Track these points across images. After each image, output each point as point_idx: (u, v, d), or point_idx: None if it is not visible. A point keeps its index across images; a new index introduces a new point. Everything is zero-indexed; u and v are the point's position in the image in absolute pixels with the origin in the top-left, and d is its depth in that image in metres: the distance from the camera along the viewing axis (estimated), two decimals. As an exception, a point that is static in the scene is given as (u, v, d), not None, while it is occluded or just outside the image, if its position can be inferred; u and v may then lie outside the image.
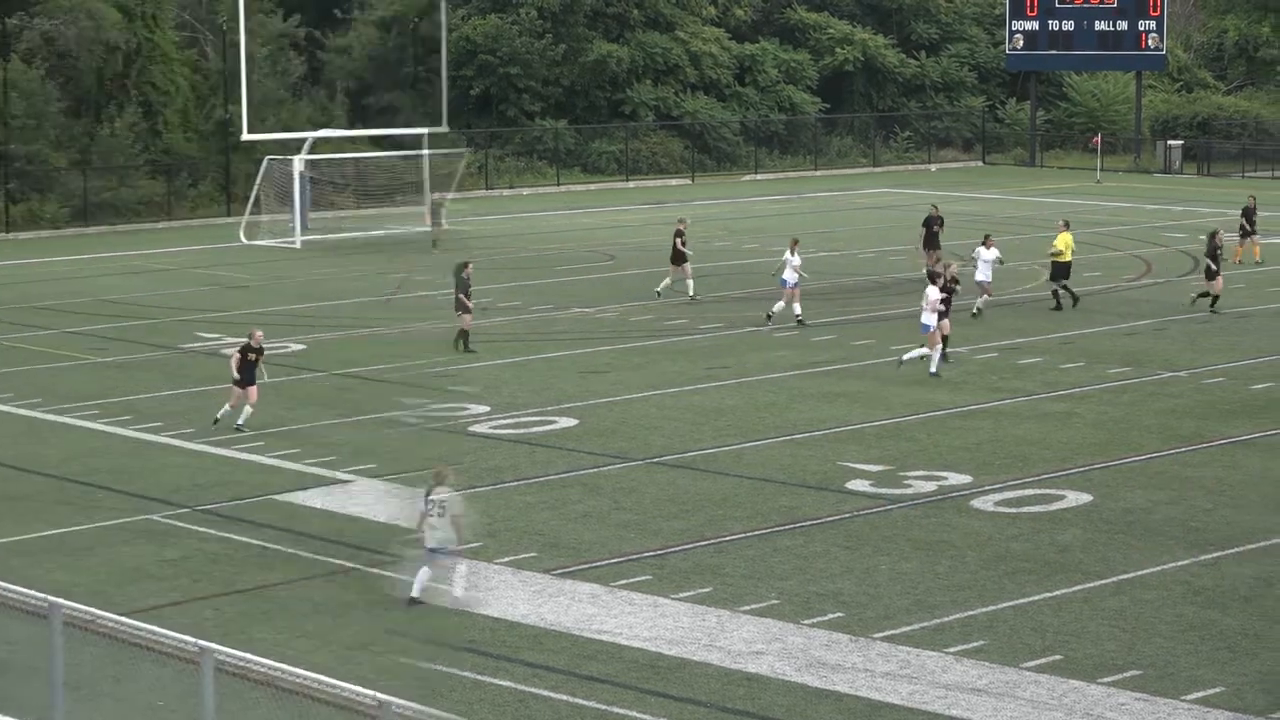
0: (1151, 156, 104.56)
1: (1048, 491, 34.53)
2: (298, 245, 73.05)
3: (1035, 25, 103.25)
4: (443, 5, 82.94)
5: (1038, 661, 25.51)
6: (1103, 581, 29.12)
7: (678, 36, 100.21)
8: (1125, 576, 29.29)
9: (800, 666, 25.41)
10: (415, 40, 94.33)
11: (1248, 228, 65.08)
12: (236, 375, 39.41)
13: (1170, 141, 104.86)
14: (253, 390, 39.52)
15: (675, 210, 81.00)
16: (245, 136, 75.47)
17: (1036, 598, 28.37)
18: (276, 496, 34.54)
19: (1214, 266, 54.60)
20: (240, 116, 75.17)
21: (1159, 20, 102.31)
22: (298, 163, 74.86)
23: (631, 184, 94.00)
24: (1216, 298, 54.40)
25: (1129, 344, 49.29)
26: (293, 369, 46.32)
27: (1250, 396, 43.08)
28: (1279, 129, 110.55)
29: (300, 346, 49.81)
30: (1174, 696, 24.18)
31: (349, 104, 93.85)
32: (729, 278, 61.77)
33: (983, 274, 53.66)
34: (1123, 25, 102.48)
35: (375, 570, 29.64)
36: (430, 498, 27.68)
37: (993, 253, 54.01)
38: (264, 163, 76.57)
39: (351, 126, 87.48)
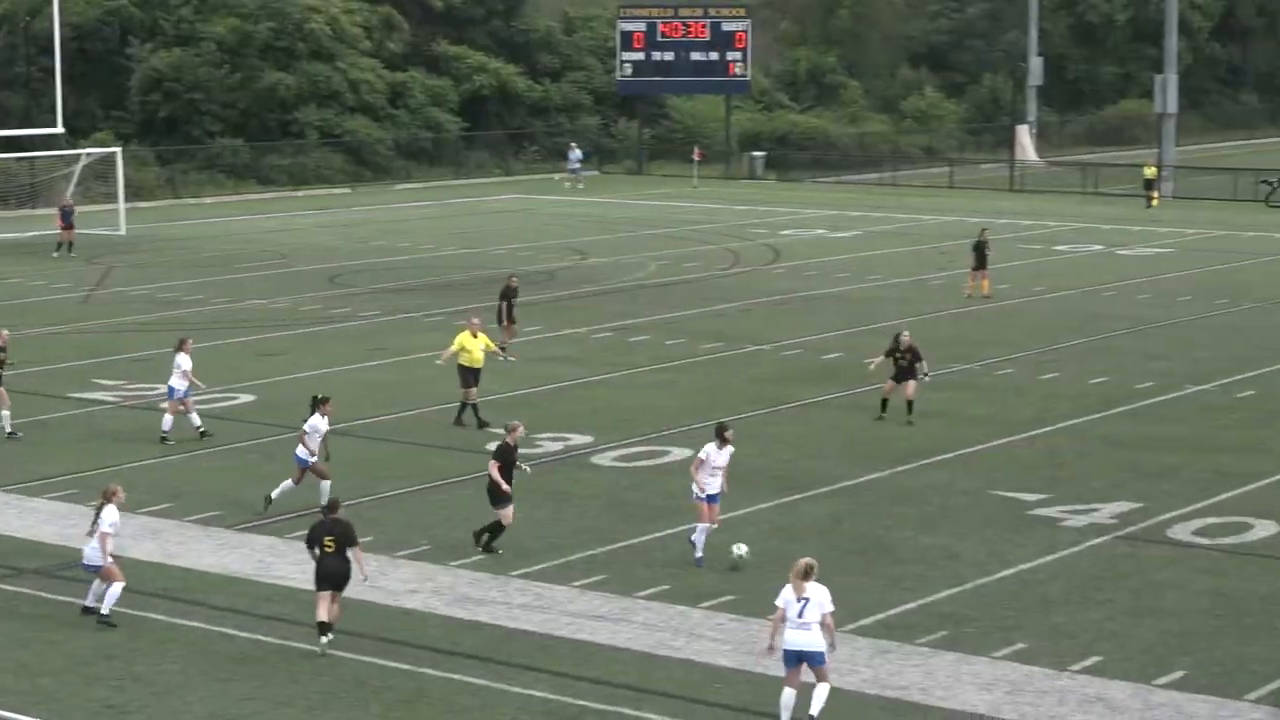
0: (739, 165, 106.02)
1: (656, 448, 34.86)
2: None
3: (642, 56, 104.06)
4: (55, 2, 74.28)
5: (649, 591, 25.77)
6: (702, 522, 29.46)
7: (338, 66, 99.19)
8: (723, 517, 29.68)
9: (449, 602, 25.38)
10: (27, 40, 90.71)
11: (978, 262, 55.43)
12: None
13: (754, 153, 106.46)
14: None
15: (339, 215, 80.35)
16: None
17: (648, 537, 28.65)
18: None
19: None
20: None
21: (744, 52, 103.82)
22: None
23: (300, 193, 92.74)
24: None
25: (720, 323, 49.94)
26: None
27: (822, 365, 43.92)
28: (843, 142, 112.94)
29: None
30: (763, 616, 24.56)
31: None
32: (385, 272, 61.36)
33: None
34: (714, 56, 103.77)
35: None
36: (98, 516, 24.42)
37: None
38: None
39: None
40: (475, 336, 37.05)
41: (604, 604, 25.21)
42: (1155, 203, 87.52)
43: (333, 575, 23.37)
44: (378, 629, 24.10)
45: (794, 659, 20.50)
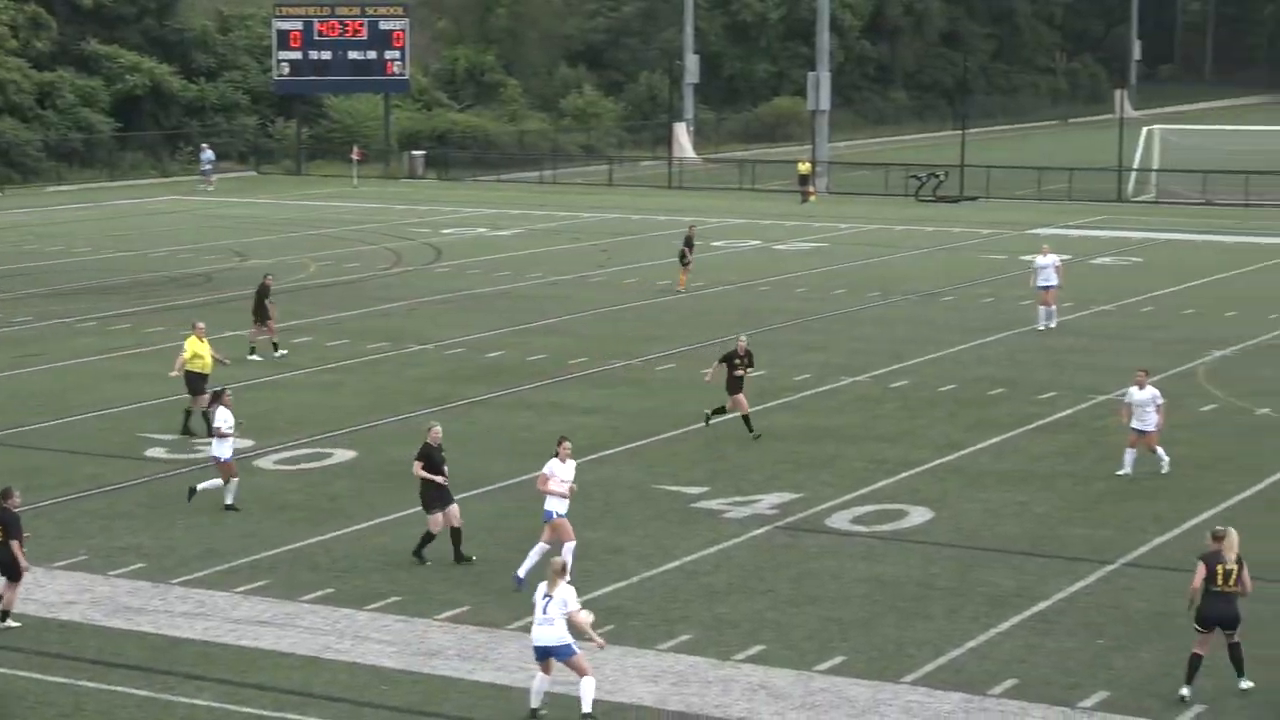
0: (399, 165, 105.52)
1: (320, 450, 34.56)
2: None
3: (299, 55, 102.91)
4: None
5: (314, 595, 25.54)
6: (368, 524, 29.32)
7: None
8: (387, 518, 29.56)
9: (109, 612, 24.84)
10: None
11: (688, 256, 55.78)
12: None
13: (414, 151, 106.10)
14: None
15: (-14, 218, 78.18)
16: None
17: (312, 540, 28.38)
18: None
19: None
20: None
21: (403, 51, 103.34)
22: None
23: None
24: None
25: (385, 323, 49.69)
26: None
27: (486, 363, 43.95)
28: (503, 140, 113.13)
29: None
30: (429, 616, 24.52)
31: None
32: (39, 276, 59.78)
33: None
34: (372, 54, 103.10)
35: None
36: None
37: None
38: None
39: None
40: (202, 341, 36.33)
41: (268, 609, 24.91)
42: (811, 198, 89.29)
43: (3, 564, 23.50)
44: (34, 643, 23.47)
45: (541, 654, 20.90)
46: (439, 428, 27.82)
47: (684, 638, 23.69)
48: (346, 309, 52.25)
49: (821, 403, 39.22)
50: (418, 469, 27.28)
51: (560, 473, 26.43)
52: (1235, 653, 21.85)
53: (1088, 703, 21.33)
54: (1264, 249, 67.79)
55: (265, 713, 21.15)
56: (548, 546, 26.11)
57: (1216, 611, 21.58)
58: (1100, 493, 31.32)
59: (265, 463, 33.61)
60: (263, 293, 44.66)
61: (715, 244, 69.63)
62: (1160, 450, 32.17)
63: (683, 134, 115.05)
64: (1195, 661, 21.67)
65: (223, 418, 30.07)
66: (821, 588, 25.92)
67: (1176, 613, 24.51)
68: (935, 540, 28.41)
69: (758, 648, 23.30)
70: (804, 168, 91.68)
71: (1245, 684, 21.83)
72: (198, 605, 25.11)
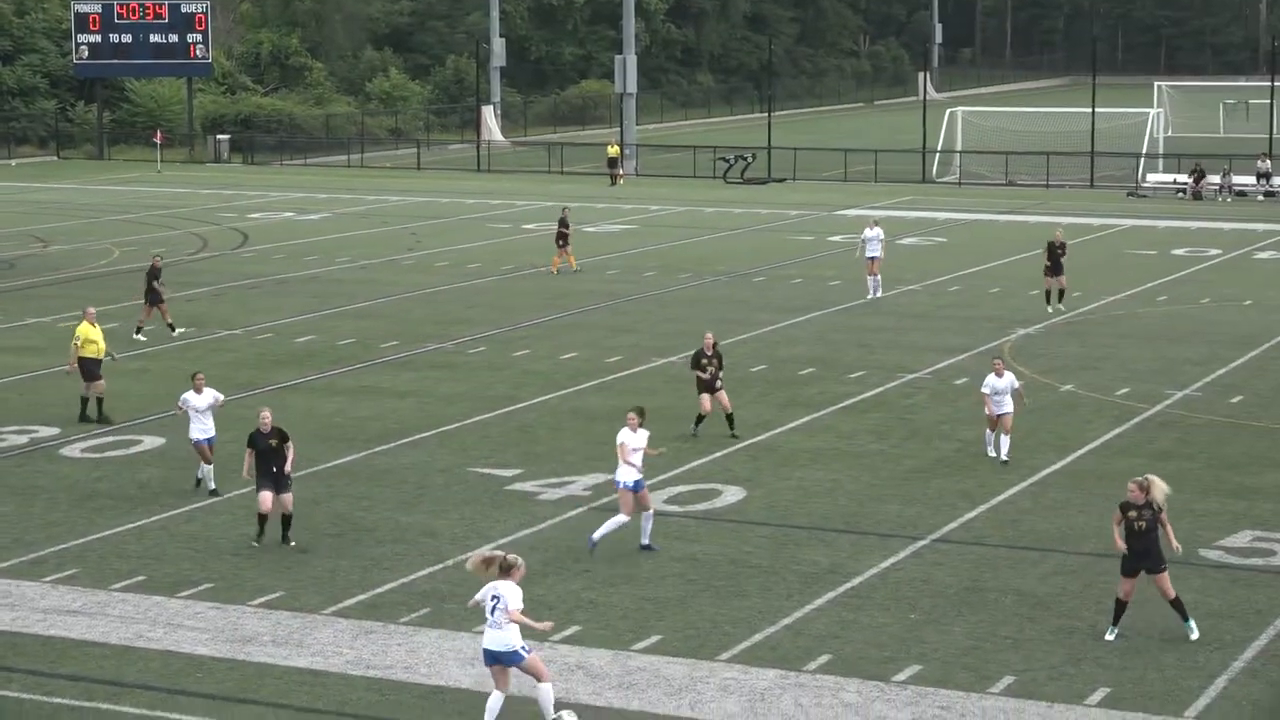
0: (203, 149, 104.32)
1: (128, 438, 34.08)
2: None
3: (99, 38, 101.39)
4: None
5: (125, 583, 25.18)
6: (178, 510, 28.95)
7: None
8: (197, 505, 29.22)
9: (-88, 605, 24.32)
10: None
11: (565, 238, 56.59)
12: None
13: (219, 136, 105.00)
14: None
15: None
16: None
17: (121, 529, 27.98)
18: None
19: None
20: None
21: (205, 34, 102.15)
22: None
23: None
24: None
25: (190, 309, 49.05)
26: None
27: (295, 349, 43.59)
28: (309, 124, 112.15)
29: None
30: (242, 603, 24.28)
31: None
32: None
33: None
34: (174, 38, 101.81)
35: None
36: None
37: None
38: None
39: None
40: (94, 326, 35.65)
41: (78, 598, 24.52)
42: (620, 181, 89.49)
43: None
44: None
45: (490, 659, 19.82)
46: (268, 412, 27.61)
47: (501, 620, 23.63)
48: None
49: (634, 384, 39.33)
50: (249, 459, 27.14)
51: (631, 442, 26.71)
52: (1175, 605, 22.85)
53: (901, 676, 21.59)
54: (1064, 228, 68.93)
55: (76, 703, 20.82)
56: (626, 518, 26.47)
57: (1135, 556, 22.53)
58: (910, 470, 31.70)
59: (72, 450, 33.10)
60: (152, 274, 44.47)
61: (526, 227, 69.56)
62: (1007, 439, 32.29)
63: (490, 117, 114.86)
64: (1120, 606, 22.86)
65: (192, 399, 30.41)
66: (636, 568, 26.00)
67: (986, 587, 24.91)
68: (749, 519, 28.61)
69: (574, 628, 23.32)
70: (613, 150, 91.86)
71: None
72: (4, 595, 24.66)
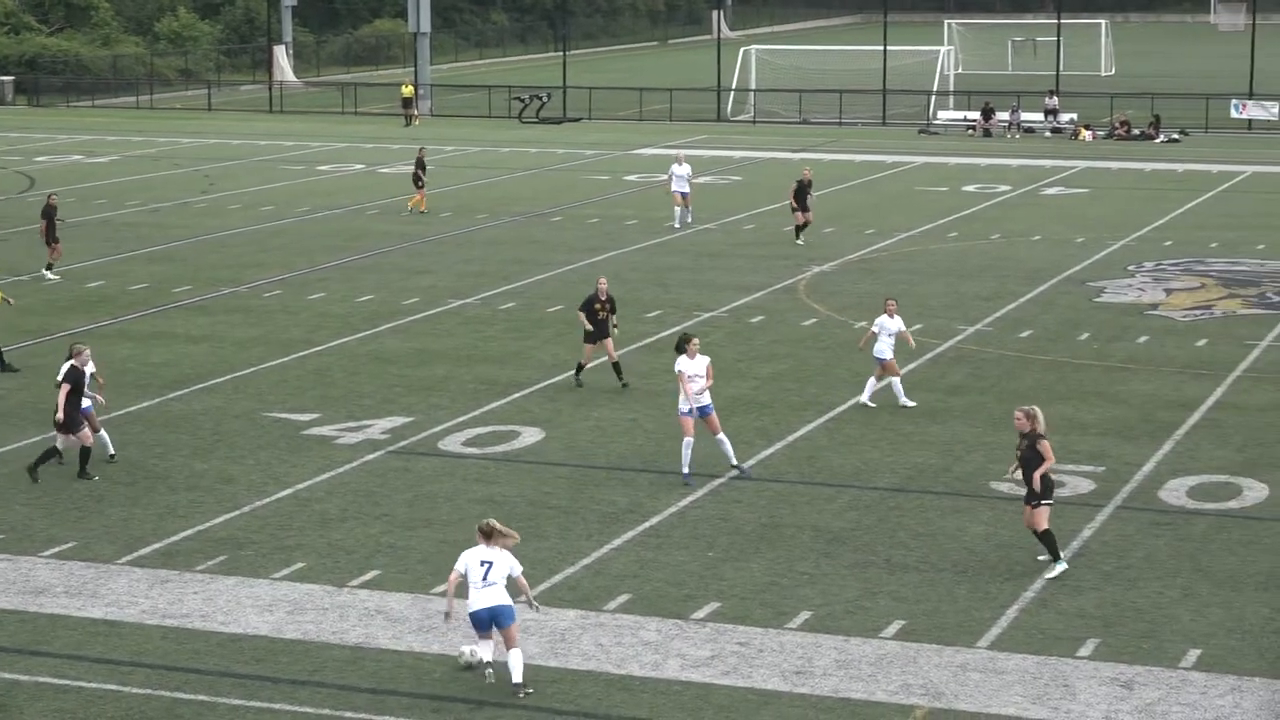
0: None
1: (-89, 387, 33.34)
2: None
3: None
4: None
5: (-89, 537, 24.67)
6: (-35, 462, 28.42)
7: None
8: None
9: None
10: None
11: (421, 178, 56.28)
12: None
13: (3, 77, 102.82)
14: None
15: None
16: None
17: (-93, 481, 27.40)
18: None
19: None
20: None
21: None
22: None
23: None
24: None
25: (-23, 254, 48.07)
26: None
27: (84, 294, 42.87)
28: (96, 65, 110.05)
29: None
30: (33, 554, 23.87)
31: None
32: None
33: None
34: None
35: None
36: None
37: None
38: None
39: None
40: None
41: None
42: (415, 121, 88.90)
43: None
44: None
45: (484, 622, 19.53)
46: (88, 350, 27.40)
47: (298, 566, 23.49)
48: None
49: (431, 326, 39.16)
50: (62, 395, 26.79)
51: (689, 369, 26.92)
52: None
53: (700, 614, 21.76)
54: (857, 165, 69.66)
55: None
56: (691, 439, 26.95)
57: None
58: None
59: None
60: (48, 212, 44.28)
61: (321, 168, 68.89)
62: (899, 381, 32.19)
63: (282, 57, 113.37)
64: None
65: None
66: (436, 511, 25.94)
67: (783, 524, 25.16)
68: (548, 460, 28.63)
69: (373, 573, 23.22)
70: (407, 90, 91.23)
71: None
72: None
